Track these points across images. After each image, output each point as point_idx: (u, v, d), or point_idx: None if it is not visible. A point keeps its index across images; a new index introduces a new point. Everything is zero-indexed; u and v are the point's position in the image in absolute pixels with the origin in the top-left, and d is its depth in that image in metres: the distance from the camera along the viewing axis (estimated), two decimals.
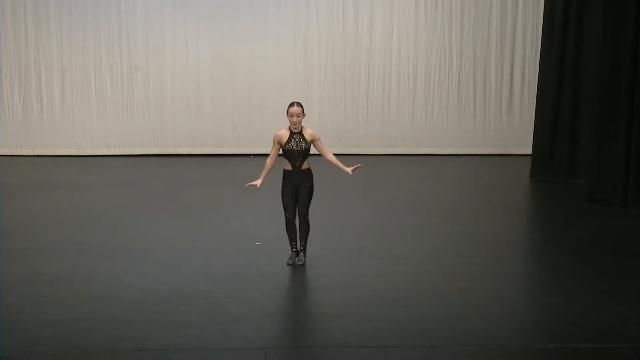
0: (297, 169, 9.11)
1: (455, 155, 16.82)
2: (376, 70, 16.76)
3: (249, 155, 16.29)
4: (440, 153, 16.88)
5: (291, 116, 9.01)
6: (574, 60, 14.28)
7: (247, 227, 11.05)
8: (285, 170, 9.18)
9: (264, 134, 16.38)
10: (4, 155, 16.05)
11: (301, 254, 9.27)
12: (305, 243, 9.26)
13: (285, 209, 9.21)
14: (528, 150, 16.45)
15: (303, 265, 9.23)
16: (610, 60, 12.38)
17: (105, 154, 16.39)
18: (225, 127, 16.61)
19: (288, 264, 9.21)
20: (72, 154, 16.34)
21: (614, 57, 12.32)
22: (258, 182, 9.16)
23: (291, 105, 9.08)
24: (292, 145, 9.01)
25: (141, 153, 16.44)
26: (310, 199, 9.17)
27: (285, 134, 9.08)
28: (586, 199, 12.65)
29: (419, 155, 16.77)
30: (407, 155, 16.74)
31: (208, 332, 7.40)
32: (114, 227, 11.01)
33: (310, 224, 9.19)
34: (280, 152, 9.17)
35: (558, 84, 14.44)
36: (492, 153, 16.85)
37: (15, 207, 12.09)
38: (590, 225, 11.38)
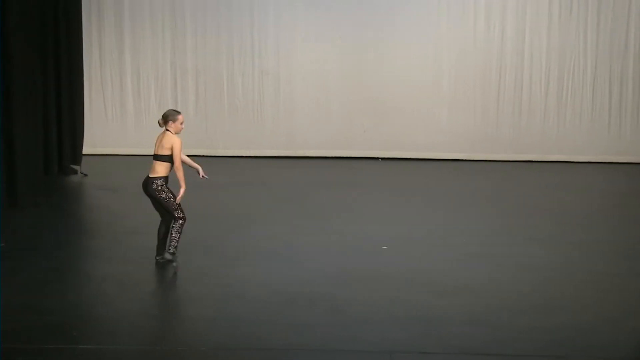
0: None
1: (588, 162, 16.37)
2: (507, 75, 16.49)
3: (377, 158, 16.28)
4: (571, 160, 16.46)
5: (181, 123, 9.08)
6: None
7: (373, 230, 11.02)
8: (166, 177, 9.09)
9: (392, 138, 16.38)
10: (142, 155, 16.51)
11: (167, 253, 9.16)
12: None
13: (180, 210, 9.04)
14: None
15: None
16: None
17: (235, 154, 16.68)
18: (354, 130, 16.65)
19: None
20: (204, 154, 16.66)
21: None
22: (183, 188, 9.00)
23: (179, 113, 9.15)
24: None
25: (270, 155, 16.65)
26: None
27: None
28: None
29: (550, 162, 16.40)
30: (537, 162, 16.40)
31: (332, 333, 7.41)
32: (241, 226, 11.16)
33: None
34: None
35: None
36: (627, 161, 16.32)
37: (141, 206, 12.39)
38: None
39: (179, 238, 9.07)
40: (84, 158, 14.78)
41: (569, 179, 15.14)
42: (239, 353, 7.04)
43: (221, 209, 12.21)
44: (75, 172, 14.50)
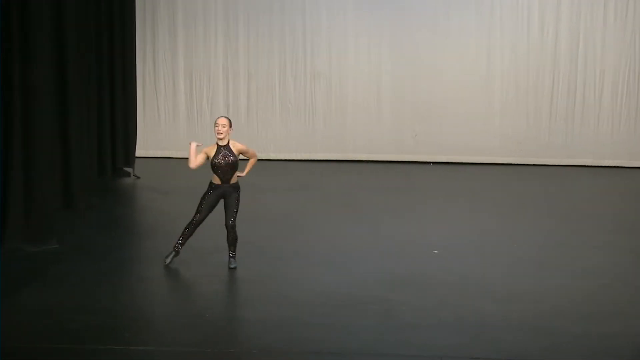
0: (226, 183, 9.06)
1: None
2: (561, 79, 16.32)
3: (428, 163, 16.21)
4: (626, 165, 16.23)
5: (216, 125, 8.96)
6: None
7: (423, 234, 10.99)
8: (212, 183, 9.10)
9: (444, 142, 16.29)
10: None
11: (232, 259, 9.23)
12: (235, 250, 9.24)
13: (197, 212, 9.10)
14: None
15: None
16: None
17: (286, 158, 16.72)
18: (405, 134, 16.60)
19: (166, 264, 9.18)
20: None
21: None
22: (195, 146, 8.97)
23: (219, 117, 9.08)
24: (220, 159, 8.97)
25: (321, 158, 16.67)
26: (238, 208, 9.12)
27: (213, 148, 9.02)
28: None
29: (604, 167, 16.19)
30: (591, 166, 16.20)
31: (382, 337, 7.39)
32: (293, 230, 11.20)
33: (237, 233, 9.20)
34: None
35: None
36: None
37: (193, 209, 12.46)
38: None
39: (182, 233, 9.21)
40: (136, 160, 14.93)
41: (623, 184, 14.94)
42: (290, 356, 7.06)
43: (272, 212, 12.25)
44: (128, 174, 14.65)
